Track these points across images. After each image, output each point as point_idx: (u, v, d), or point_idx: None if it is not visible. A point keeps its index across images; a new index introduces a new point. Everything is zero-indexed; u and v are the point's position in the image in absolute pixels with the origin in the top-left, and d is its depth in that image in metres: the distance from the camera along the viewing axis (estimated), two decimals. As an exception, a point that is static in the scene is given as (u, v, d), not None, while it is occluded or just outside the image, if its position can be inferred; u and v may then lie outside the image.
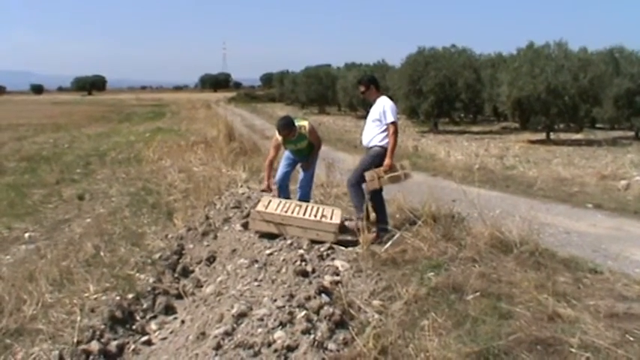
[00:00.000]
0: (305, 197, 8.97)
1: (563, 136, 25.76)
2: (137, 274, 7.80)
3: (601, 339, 4.63)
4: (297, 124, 8.69)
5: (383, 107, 7.95)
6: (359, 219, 7.90)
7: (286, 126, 8.61)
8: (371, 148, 8.09)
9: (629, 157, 18.83)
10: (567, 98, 23.08)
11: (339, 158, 15.40)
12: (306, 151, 8.96)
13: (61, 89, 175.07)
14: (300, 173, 9.19)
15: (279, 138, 8.73)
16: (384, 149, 7.91)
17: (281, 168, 9.18)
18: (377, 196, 8.12)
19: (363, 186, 8.11)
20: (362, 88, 8.28)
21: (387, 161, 7.82)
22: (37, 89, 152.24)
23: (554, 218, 9.85)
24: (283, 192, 9.06)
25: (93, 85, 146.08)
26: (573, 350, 4.47)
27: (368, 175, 8.08)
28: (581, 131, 26.66)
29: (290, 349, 4.58)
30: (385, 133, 7.95)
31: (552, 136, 25.24)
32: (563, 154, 20.01)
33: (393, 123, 7.88)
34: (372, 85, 8.24)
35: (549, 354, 4.48)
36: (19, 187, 14.94)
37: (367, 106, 8.33)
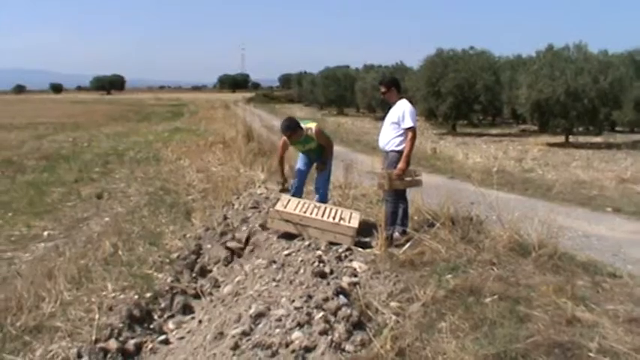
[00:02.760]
0: (322, 199, 8.95)
1: (582, 139, 25.59)
2: (155, 274, 7.85)
3: (620, 344, 4.59)
4: (304, 126, 8.71)
5: (403, 111, 7.79)
6: (396, 230, 7.89)
7: (288, 128, 8.64)
8: (388, 152, 8.02)
9: (649, 160, 18.69)
10: (587, 101, 22.93)
11: (357, 159, 15.39)
12: (316, 152, 8.95)
13: (80, 88, 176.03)
14: (315, 175, 9.16)
15: (286, 139, 8.81)
16: (401, 154, 7.84)
17: (297, 168, 9.21)
18: (402, 199, 8.07)
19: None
20: (383, 89, 8.19)
21: (400, 165, 7.72)
22: (57, 88, 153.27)
23: (573, 221, 9.79)
24: (298, 193, 9.07)
25: (112, 84, 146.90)
26: (592, 355, 4.43)
27: (379, 174, 8.06)
28: (601, 134, 26.48)
29: (308, 349, 4.59)
30: (402, 137, 7.81)
31: (571, 139, 25.10)
32: (582, 157, 19.90)
33: (411, 128, 7.74)
34: (394, 87, 8.11)
35: (567, 358, 4.44)
36: (38, 186, 15.07)
37: (386, 107, 8.24)
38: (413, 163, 8.09)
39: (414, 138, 7.81)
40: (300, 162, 9.19)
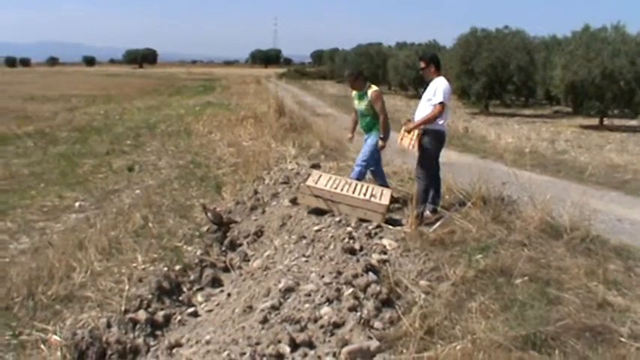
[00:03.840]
0: (357, 176, 8.78)
1: (617, 121, 25.16)
2: (185, 246, 7.90)
3: (652, 329, 4.55)
4: (367, 83, 8.80)
5: (436, 87, 7.75)
6: (427, 208, 7.82)
7: (351, 73, 8.93)
8: (425, 130, 7.93)
9: (685, 144, 18.37)
10: (623, 83, 22.58)
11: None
12: (366, 119, 8.81)
13: (112, 61, 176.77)
14: (363, 147, 8.95)
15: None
16: (437, 131, 7.75)
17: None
18: (435, 177, 8.01)
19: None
20: (422, 64, 8.09)
21: (411, 124, 7.76)
22: (89, 61, 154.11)
23: (606, 205, 9.66)
24: (378, 176, 9.09)
25: (144, 58, 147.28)
26: (623, 339, 4.40)
27: (402, 132, 8.00)
28: (636, 117, 26.04)
29: (336, 325, 4.60)
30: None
31: (606, 121, 24.75)
32: (616, 141, 19.61)
33: (440, 103, 7.61)
34: (433, 64, 7.99)
35: (598, 342, 4.41)
36: (70, 157, 15.23)
37: (418, 85, 8.17)
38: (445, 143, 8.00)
39: (439, 112, 7.63)
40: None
